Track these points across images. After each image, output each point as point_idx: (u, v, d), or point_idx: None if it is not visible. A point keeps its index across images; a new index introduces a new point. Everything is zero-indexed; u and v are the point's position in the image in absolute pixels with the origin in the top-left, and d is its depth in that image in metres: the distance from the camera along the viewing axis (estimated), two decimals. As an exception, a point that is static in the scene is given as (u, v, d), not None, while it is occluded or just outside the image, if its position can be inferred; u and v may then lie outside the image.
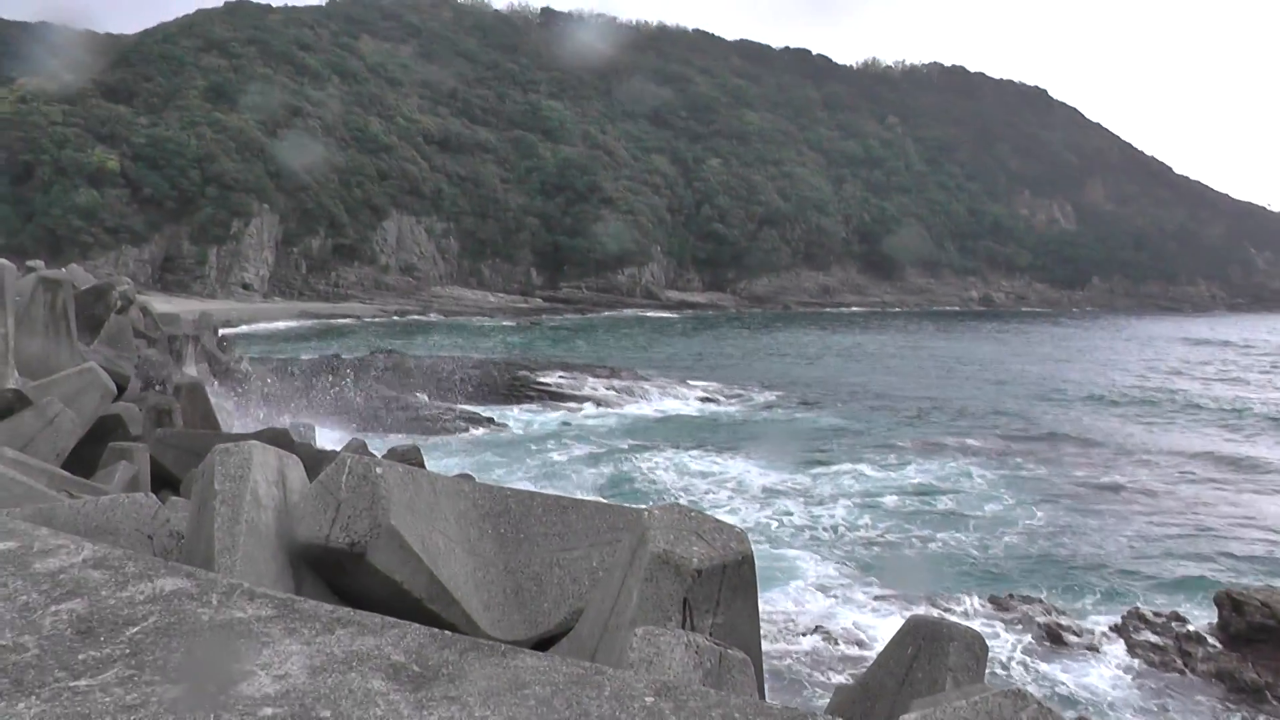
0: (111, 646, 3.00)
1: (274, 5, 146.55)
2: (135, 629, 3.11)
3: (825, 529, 20.32)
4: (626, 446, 29.82)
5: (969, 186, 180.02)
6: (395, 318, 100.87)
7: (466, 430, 31.75)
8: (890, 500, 23.05)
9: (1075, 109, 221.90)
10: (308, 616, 3.25)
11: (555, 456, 27.92)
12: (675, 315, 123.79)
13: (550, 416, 36.10)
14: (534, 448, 29.32)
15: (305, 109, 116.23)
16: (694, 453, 28.97)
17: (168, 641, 3.04)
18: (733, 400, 42.35)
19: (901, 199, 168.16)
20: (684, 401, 41.22)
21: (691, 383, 46.62)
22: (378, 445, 26.27)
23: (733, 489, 24.14)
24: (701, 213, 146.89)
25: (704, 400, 41.75)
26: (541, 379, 42.62)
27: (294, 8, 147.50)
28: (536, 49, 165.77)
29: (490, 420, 33.73)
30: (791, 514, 21.44)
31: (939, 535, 20.16)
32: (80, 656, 2.94)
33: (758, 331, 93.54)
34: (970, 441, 31.21)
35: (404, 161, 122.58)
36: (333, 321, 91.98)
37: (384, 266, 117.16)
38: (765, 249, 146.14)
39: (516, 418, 35.42)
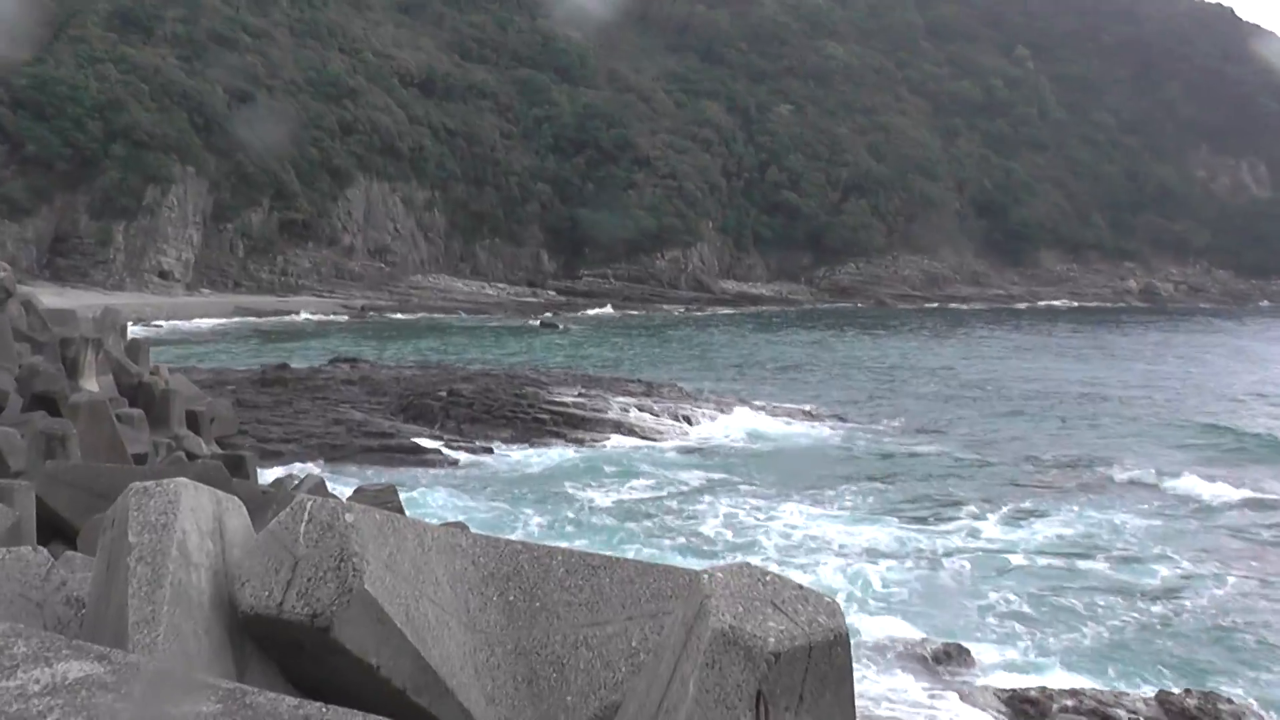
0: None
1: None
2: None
3: (940, 596, 20.20)
4: (672, 486, 29.80)
5: (1125, 141, 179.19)
6: (363, 316, 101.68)
7: (457, 464, 31.90)
8: (1021, 559, 22.95)
9: (1274, 33, 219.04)
10: (264, 714, 3.22)
11: (576, 499, 27.98)
12: (732, 312, 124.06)
13: (567, 445, 36.16)
14: (548, 488, 29.38)
15: (243, 41, 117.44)
16: (761, 495, 28.91)
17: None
18: (811, 425, 42.27)
19: (1034, 158, 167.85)
20: (745, 428, 41.16)
21: (755, 403, 46.56)
22: (341, 485, 26.39)
23: (817, 543, 24.08)
24: (767, 177, 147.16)
25: (772, 426, 41.69)
26: (555, 397, 42.71)
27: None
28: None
29: (489, 451, 33.85)
30: (897, 577, 21.36)
31: (1085, 604, 20.00)
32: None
33: (842, 334, 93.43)
34: (1130, 483, 30.98)
35: (374, 110, 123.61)
36: (280, 320, 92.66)
37: (347, 249, 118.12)
38: (852, 225, 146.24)
39: (523, 447, 35.50)
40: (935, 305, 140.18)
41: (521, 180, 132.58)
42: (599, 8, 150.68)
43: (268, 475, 24.55)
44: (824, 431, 41.03)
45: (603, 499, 28.37)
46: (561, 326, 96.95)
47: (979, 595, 20.54)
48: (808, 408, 45.97)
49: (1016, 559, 23.28)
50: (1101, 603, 20.36)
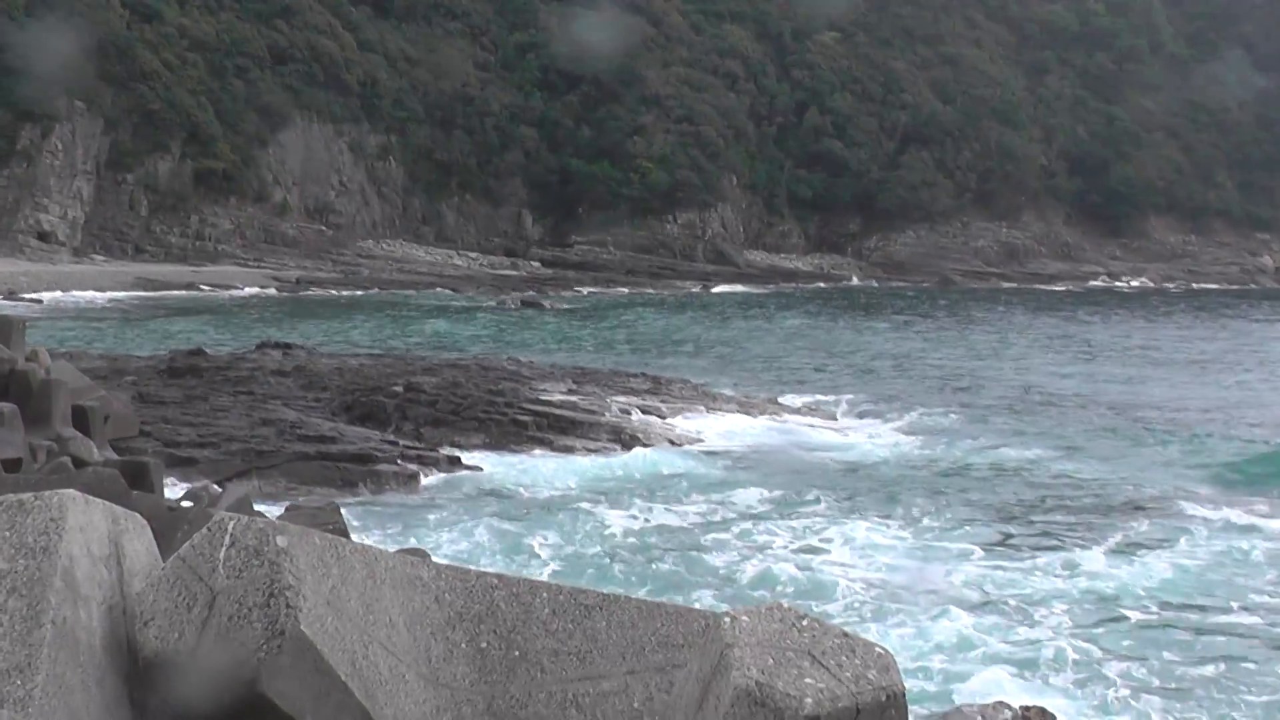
0: None
1: None
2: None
3: (1031, 655, 20.03)
4: (682, 505, 29.75)
5: (1258, 82, 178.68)
6: (299, 291, 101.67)
7: (416, 477, 31.80)
8: (1134, 606, 22.69)
9: None
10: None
11: (565, 523, 27.88)
12: (760, 290, 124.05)
13: (553, 453, 36.10)
14: (531, 509, 29.28)
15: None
16: (798, 516, 28.86)
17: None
18: (860, 431, 42.20)
19: (1143, 102, 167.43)
20: (776, 434, 41.08)
21: (789, 403, 46.52)
22: (270, 503, 26.29)
23: (867, 580, 24.00)
24: (806, 122, 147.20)
25: (811, 433, 41.62)
26: (539, 395, 42.67)
27: None
28: None
29: (456, 461, 33.75)
30: (975, 626, 21.25)
31: (1223, 672, 19.83)
32: None
33: (897, 318, 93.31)
34: (1272, 511, 30.86)
35: (314, 33, 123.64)
36: (193, 295, 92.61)
37: (279, 207, 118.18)
38: (911, 184, 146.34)
39: (499, 457, 35.40)
40: (1014, 285, 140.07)
41: (500, 123, 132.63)
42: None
43: (177, 489, 24.54)
44: (878, 439, 40.91)
45: (599, 524, 28.26)
46: (548, 306, 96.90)
47: (1083, 659, 20.28)
48: (855, 409, 45.89)
49: (1129, 606, 23.02)
50: (1246, 671, 20.07)
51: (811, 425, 42.95)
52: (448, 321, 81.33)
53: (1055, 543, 27.40)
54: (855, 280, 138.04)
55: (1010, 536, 27.87)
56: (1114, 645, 20.94)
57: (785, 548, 26.68)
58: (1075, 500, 31.78)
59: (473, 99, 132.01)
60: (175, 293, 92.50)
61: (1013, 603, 23.05)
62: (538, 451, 36.82)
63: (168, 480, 23.36)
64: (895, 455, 38.43)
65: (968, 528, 28.45)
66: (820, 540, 27.17)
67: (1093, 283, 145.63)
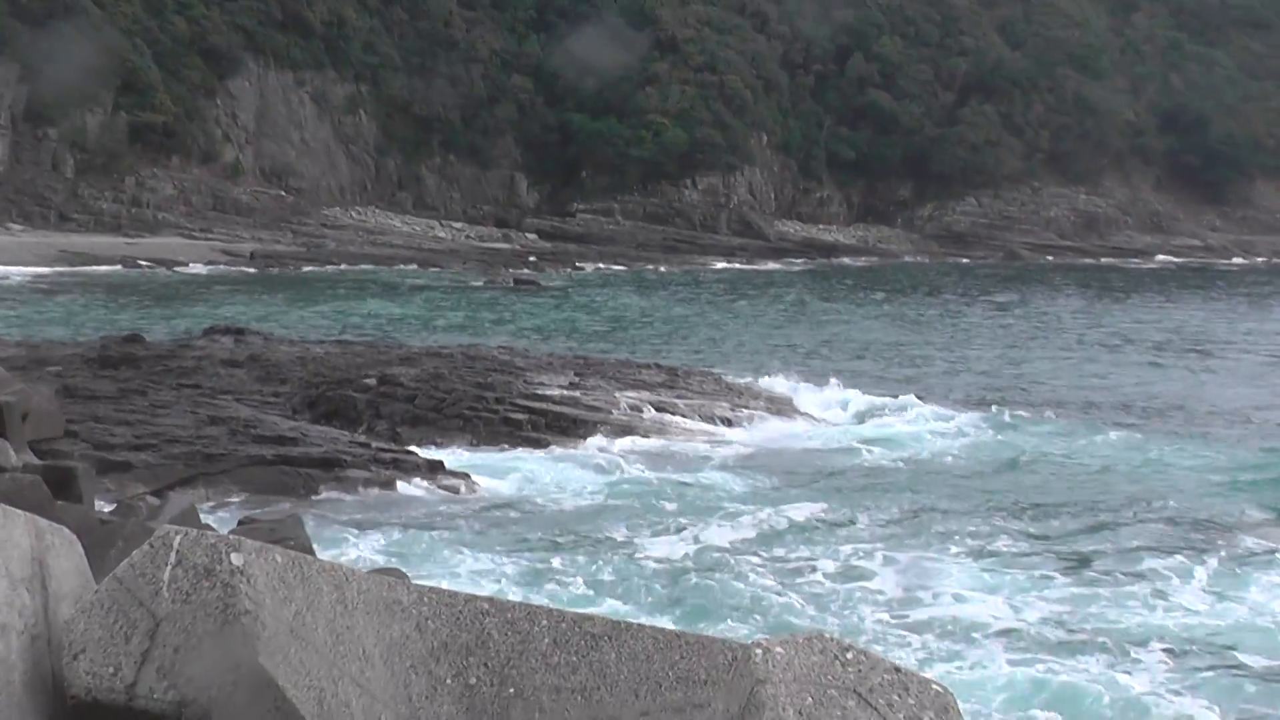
0: None
1: None
2: None
3: (1128, 709, 19.86)
4: (705, 519, 29.71)
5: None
6: (254, 267, 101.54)
7: (393, 485, 31.78)
8: (1242, 651, 22.45)
9: None
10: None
11: (567, 538, 27.89)
12: (793, 267, 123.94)
13: (555, 459, 36.05)
14: (527, 521, 29.29)
15: None
16: (842, 533, 28.81)
17: None
18: (910, 429, 42.25)
19: (1250, 44, 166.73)
20: (815, 431, 41.19)
21: (823, 396, 46.57)
22: (222, 514, 26.31)
23: (925, 609, 23.98)
24: (849, 70, 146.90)
25: (850, 430, 41.69)
26: (535, 389, 42.64)
27: None
28: None
29: (438, 466, 33.72)
30: (1050, 671, 21.09)
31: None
32: None
33: (953, 301, 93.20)
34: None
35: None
36: (128, 271, 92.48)
37: (231, 167, 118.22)
38: (973, 143, 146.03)
39: (489, 462, 35.38)
40: (1092, 261, 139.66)
41: (490, 71, 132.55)
42: None
43: (109, 499, 24.52)
44: (933, 443, 40.79)
45: (604, 540, 28.26)
46: (545, 285, 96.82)
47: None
48: (901, 407, 45.85)
49: (1237, 650, 22.73)
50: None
51: (854, 424, 42.98)
52: (426, 303, 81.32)
53: (1142, 568, 27.19)
54: (906, 256, 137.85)
55: (1088, 560, 27.66)
56: (1228, 701, 20.59)
57: (827, 571, 26.58)
58: (1162, 516, 31.59)
59: (457, 42, 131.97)
60: (107, 268, 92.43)
61: (1100, 641, 22.80)
62: (534, 455, 36.84)
63: (99, 489, 23.36)
64: (954, 462, 38.37)
65: (1038, 547, 28.32)
66: (868, 562, 27.11)
67: (1188, 259, 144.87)
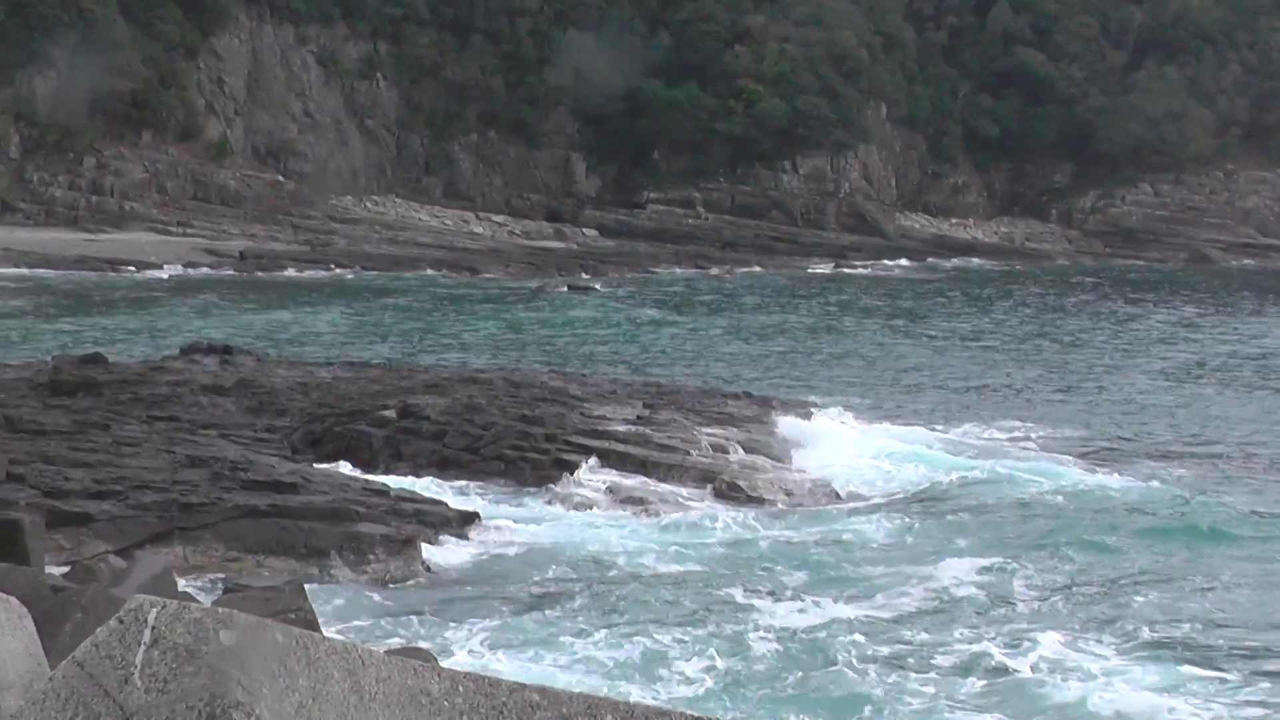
0: None
1: None
2: None
3: None
4: (819, 589, 29.78)
5: None
6: (244, 270, 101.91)
7: (415, 543, 31.80)
8: None
9: None
10: None
11: (648, 612, 27.91)
12: (922, 272, 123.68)
13: (619, 515, 36.05)
14: (589, 588, 29.34)
15: None
16: (984, 613, 28.86)
17: None
18: (1070, 476, 42.26)
19: None
20: (953, 476, 41.26)
21: (957, 435, 46.67)
22: (204, 580, 26.45)
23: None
24: (991, 23, 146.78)
25: (996, 474, 41.72)
26: (595, 424, 42.67)
27: None
28: None
29: (472, 518, 33.79)
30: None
31: None
32: None
33: (1122, 313, 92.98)
34: None
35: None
36: (87, 275, 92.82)
37: (216, 146, 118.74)
38: (1149, 115, 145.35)
39: (540, 513, 35.47)
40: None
41: (539, 25, 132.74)
42: None
43: (62, 558, 24.67)
44: (1096, 494, 40.83)
45: (697, 612, 28.35)
46: (607, 293, 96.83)
47: None
48: (1056, 446, 45.97)
49: None
50: None
51: (1002, 469, 42.92)
52: (458, 315, 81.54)
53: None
54: (1062, 259, 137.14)
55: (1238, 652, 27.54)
56: None
57: (953, 661, 26.66)
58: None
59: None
60: (61, 272, 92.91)
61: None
62: (595, 496, 36.93)
63: (50, 546, 23.49)
64: (1117, 519, 38.23)
65: (1214, 644, 28.12)
66: (1007, 651, 27.12)
67: None
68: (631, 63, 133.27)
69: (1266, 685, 25.58)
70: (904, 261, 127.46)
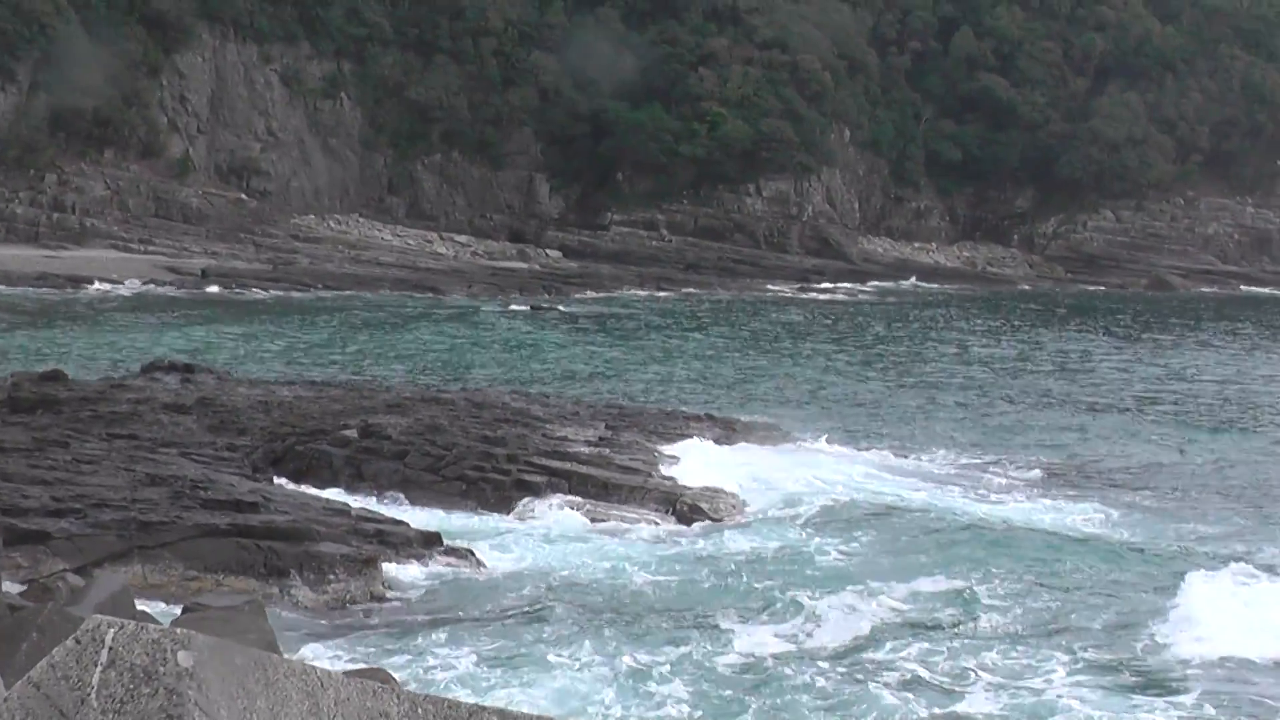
0: None
1: None
2: None
3: None
4: (783, 615, 29.80)
5: None
6: (205, 287, 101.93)
7: (376, 563, 31.81)
8: None
9: None
10: None
11: (595, 638, 27.90)
12: (882, 298, 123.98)
13: (582, 536, 36.12)
14: (555, 611, 29.35)
15: None
16: (935, 637, 28.86)
17: None
18: (1033, 503, 42.41)
19: None
20: (918, 499, 41.45)
21: (919, 461, 46.84)
22: (162, 600, 26.35)
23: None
24: (955, 48, 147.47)
25: (959, 502, 41.85)
26: (558, 445, 42.80)
27: None
28: None
29: (433, 539, 33.82)
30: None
31: None
32: None
33: (1086, 340, 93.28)
34: None
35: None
36: (46, 292, 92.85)
37: (179, 163, 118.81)
38: (1111, 140, 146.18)
39: (504, 535, 35.54)
40: (1266, 290, 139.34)
41: (503, 45, 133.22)
42: None
43: (19, 576, 24.63)
44: (1065, 529, 40.95)
45: (665, 637, 28.36)
46: (569, 314, 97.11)
47: None
48: (1017, 473, 46.18)
49: None
50: None
51: (965, 496, 43.08)
52: (420, 335, 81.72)
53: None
54: (1023, 284, 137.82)
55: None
56: None
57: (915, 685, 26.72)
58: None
59: (463, 10, 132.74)
60: (21, 288, 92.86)
61: None
62: (558, 513, 37.04)
63: (6, 564, 23.41)
64: (1083, 549, 38.32)
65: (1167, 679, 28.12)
66: (955, 680, 27.16)
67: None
68: (596, 84, 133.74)
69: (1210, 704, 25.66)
70: (867, 285, 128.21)
